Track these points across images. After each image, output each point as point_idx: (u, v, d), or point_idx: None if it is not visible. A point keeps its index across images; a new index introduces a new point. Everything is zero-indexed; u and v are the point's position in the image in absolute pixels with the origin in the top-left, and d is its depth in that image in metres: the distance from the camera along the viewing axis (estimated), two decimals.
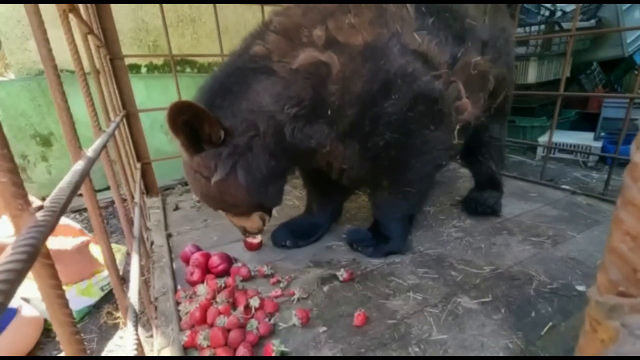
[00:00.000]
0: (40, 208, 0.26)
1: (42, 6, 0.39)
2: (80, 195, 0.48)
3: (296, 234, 1.15)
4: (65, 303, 0.29)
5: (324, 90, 0.84)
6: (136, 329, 0.50)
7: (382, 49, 0.83)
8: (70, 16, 0.63)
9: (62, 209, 0.29)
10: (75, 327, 0.30)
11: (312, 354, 0.72)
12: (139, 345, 0.49)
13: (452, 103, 0.92)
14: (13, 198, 0.25)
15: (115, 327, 0.96)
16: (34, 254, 0.21)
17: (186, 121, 0.78)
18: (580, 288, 0.88)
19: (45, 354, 0.94)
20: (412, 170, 0.97)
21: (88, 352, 0.33)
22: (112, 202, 1.84)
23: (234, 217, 1.03)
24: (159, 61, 2.43)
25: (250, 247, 1.11)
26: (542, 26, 2.31)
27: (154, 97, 2.26)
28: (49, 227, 0.25)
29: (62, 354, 0.93)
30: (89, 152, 0.48)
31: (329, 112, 0.86)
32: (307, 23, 0.85)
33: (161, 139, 2.27)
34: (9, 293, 0.17)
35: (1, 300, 0.16)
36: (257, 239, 1.10)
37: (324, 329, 0.78)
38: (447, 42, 0.91)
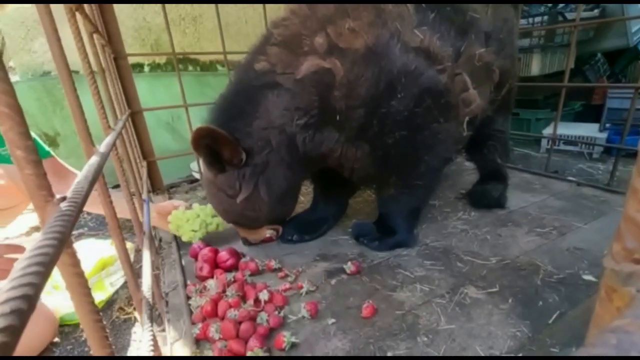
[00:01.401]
0: (63, 199, 0.27)
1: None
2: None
3: (302, 229, 1.16)
4: (88, 292, 0.30)
5: (330, 97, 0.85)
6: (151, 322, 0.52)
7: (383, 49, 0.84)
8: (77, 16, 0.64)
9: (83, 201, 0.29)
10: (98, 315, 0.31)
11: (321, 344, 0.73)
12: (154, 338, 0.50)
13: (459, 95, 0.93)
14: (38, 189, 0.26)
15: (127, 322, 0.98)
16: (63, 241, 0.21)
17: (208, 145, 0.82)
18: (587, 277, 0.88)
19: (59, 354, 0.95)
20: (422, 165, 0.97)
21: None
22: None
23: (243, 229, 1.06)
24: (161, 60, 2.44)
25: (268, 240, 1.14)
26: (546, 17, 2.29)
27: (158, 95, 2.27)
28: (74, 217, 0.25)
29: (77, 354, 0.94)
30: (101, 148, 0.49)
31: (337, 118, 0.87)
32: (307, 32, 0.85)
33: (165, 137, 2.29)
34: (45, 275, 0.18)
35: (38, 281, 0.17)
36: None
37: (333, 320, 0.79)
38: (450, 36, 0.91)
